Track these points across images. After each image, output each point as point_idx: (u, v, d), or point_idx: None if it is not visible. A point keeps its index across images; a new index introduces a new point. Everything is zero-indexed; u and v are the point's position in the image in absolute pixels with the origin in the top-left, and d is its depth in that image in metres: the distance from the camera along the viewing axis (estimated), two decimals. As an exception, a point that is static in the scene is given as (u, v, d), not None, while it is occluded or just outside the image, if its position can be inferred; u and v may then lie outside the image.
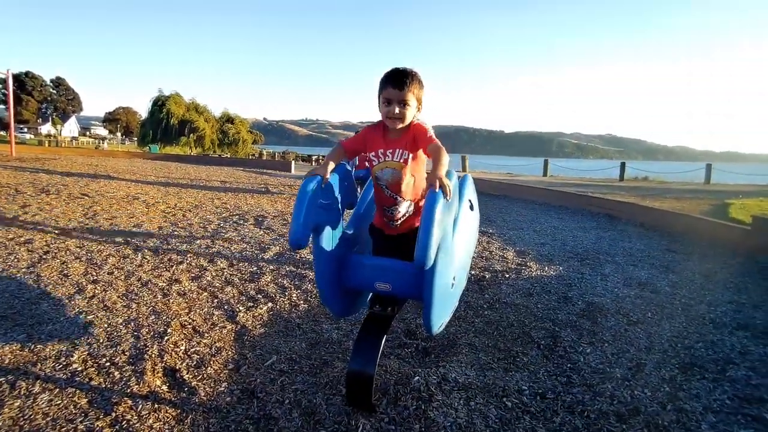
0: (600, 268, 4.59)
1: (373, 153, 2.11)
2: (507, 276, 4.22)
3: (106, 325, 2.79)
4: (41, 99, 74.41)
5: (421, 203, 1.98)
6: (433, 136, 2.04)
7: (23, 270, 3.73)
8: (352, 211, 2.40)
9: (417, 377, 2.33)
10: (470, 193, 2.57)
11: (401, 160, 2.06)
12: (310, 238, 1.86)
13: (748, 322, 3.28)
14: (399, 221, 2.17)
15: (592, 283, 4.07)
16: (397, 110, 2.01)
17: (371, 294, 2.33)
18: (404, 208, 2.15)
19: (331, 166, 1.95)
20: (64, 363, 2.32)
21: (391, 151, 2.08)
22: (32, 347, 2.46)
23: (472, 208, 2.53)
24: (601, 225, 7.33)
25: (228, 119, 43.60)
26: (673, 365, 2.61)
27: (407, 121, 2.07)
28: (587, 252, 5.32)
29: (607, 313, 3.37)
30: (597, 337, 2.95)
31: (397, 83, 2.00)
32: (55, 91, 77.38)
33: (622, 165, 20.51)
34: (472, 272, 4.14)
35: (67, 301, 3.13)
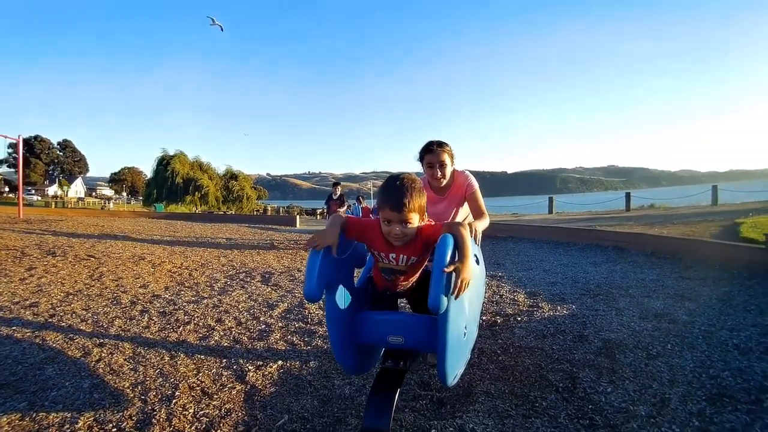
0: (614, 303, 4.50)
1: (375, 251, 2.06)
2: (519, 319, 4.13)
3: (112, 389, 2.72)
4: (48, 161, 76.27)
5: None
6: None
7: (28, 334, 3.68)
8: (362, 268, 2.41)
9: (433, 430, 2.25)
10: (475, 248, 2.58)
11: (406, 266, 2.06)
12: (324, 294, 1.87)
13: (777, 346, 3.16)
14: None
15: (607, 319, 3.98)
16: (398, 229, 1.92)
17: (383, 349, 2.29)
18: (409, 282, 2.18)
19: (335, 235, 1.91)
20: (68, 431, 2.25)
21: (393, 255, 2.03)
22: (34, 416, 2.39)
23: (477, 262, 2.54)
24: (611, 258, 7.24)
25: (232, 176, 44.28)
26: (700, 397, 2.50)
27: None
28: (599, 287, 5.23)
29: (626, 348, 3.27)
30: (617, 374, 2.85)
31: (397, 206, 1.88)
32: (62, 153, 79.45)
33: (627, 195, 20.47)
34: (483, 318, 4.07)
35: (72, 365, 3.07)
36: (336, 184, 11.73)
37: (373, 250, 2.07)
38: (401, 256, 2.01)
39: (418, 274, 2.19)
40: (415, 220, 1.93)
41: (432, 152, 2.85)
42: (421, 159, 2.93)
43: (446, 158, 2.82)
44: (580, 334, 3.62)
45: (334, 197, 11.34)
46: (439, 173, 2.85)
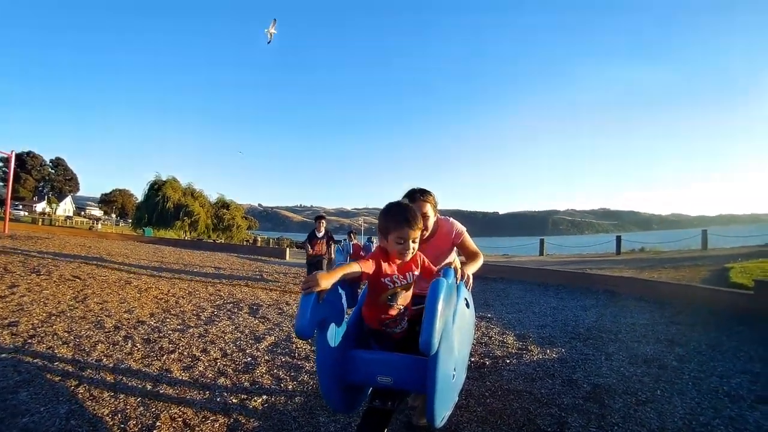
0: (604, 347, 4.48)
1: (387, 279, 2.13)
2: (508, 361, 4.09)
3: (90, 416, 2.64)
4: (39, 178, 75.86)
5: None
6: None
7: (4, 356, 3.58)
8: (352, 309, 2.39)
9: (420, 471, 2.19)
10: (465, 292, 2.58)
11: (411, 281, 2.20)
12: (315, 332, 1.87)
13: (769, 395, 3.14)
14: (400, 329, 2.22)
15: (596, 364, 3.95)
16: (413, 244, 2.13)
17: (371, 389, 2.26)
18: (404, 319, 2.23)
19: (334, 279, 1.91)
20: (41, 462, 2.17)
21: (403, 275, 2.16)
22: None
23: (468, 305, 2.54)
24: (601, 302, 7.24)
25: (223, 205, 44.20)
26: (690, 448, 2.47)
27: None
28: (589, 331, 5.21)
29: (615, 394, 3.24)
30: (606, 420, 2.81)
31: (413, 223, 2.12)
32: (53, 171, 79.12)
33: (618, 238, 20.59)
34: (472, 359, 4.03)
35: (49, 389, 2.98)
36: (320, 218, 8.84)
37: (384, 279, 2.12)
38: (407, 273, 2.17)
39: (411, 300, 2.26)
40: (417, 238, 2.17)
41: (414, 202, 2.68)
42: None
43: (428, 209, 2.72)
44: (570, 378, 3.59)
45: (318, 234, 8.53)
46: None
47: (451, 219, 2.93)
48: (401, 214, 2.12)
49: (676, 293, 6.97)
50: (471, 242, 2.90)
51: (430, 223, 2.76)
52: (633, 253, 19.92)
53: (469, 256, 2.90)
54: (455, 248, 2.91)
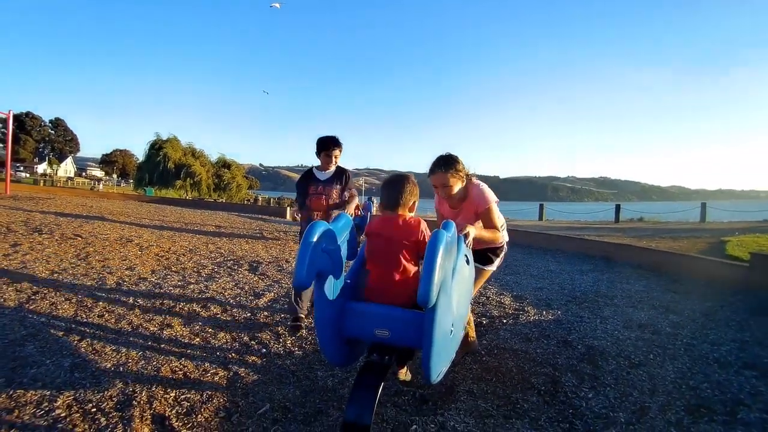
0: (599, 311, 4.54)
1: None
2: (505, 321, 4.15)
3: (93, 369, 2.70)
4: (39, 139, 75.22)
5: None
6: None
7: (9, 311, 3.64)
8: (351, 262, 2.40)
9: (415, 426, 2.25)
10: (465, 249, 2.60)
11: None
12: (313, 283, 1.87)
13: (755, 361, 3.21)
14: None
15: (591, 327, 4.01)
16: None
17: (369, 344, 2.28)
18: None
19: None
20: (46, 409, 2.22)
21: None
22: (11, 393, 2.36)
23: (468, 262, 2.55)
24: (598, 267, 7.29)
25: (224, 164, 44.03)
26: (679, 407, 2.53)
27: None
28: (585, 295, 5.27)
29: (608, 356, 3.30)
30: (599, 381, 2.88)
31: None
32: (53, 132, 78.30)
33: (617, 207, 20.62)
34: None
35: (54, 343, 3.04)
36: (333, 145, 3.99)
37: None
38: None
39: None
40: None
41: (434, 175, 2.83)
42: (430, 174, 2.90)
43: (450, 180, 2.79)
44: (565, 340, 3.65)
45: (321, 175, 3.92)
46: (443, 193, 2.87)
47: (482, 186, 2.91)
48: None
49: (673, 262, 7.04)
50: (494, 217, 2.86)
51: (455, 189, 2.81)
52: (632, 222, 19.98)
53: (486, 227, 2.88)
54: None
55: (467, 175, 2.89)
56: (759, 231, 12.23)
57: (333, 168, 3.85)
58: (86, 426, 2.11)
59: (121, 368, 2.75)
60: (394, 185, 2.29)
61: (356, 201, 3.92)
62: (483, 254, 3.03)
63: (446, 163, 2.78)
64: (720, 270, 6.24)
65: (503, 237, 2.99)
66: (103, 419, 2.17)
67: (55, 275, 4.89)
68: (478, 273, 3.00)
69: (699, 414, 2.47)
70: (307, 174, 3.93)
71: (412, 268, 2.15)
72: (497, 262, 3.13)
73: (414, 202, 2.31)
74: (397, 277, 2.12)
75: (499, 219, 2.92)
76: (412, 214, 2.30)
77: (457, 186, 2.81)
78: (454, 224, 2.11)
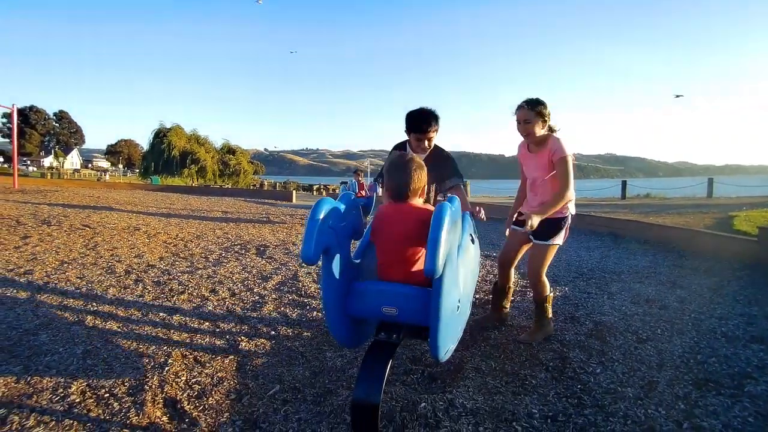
0: (606, 287, 4.54)
1: None
2: (512, 298, 4.15)
3: (105, 356, 2.74)
4: (44, 132, 75.36)
5: None
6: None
7: (22, 301, 3.68)
8: (358, 241, 2.41)
9: (423, 403, 2.27)
10: (471, 227, 2.58)
11: None
12: (320, 261, 1.87)
13: (763, 335, 3.22)
14: None
15: (599, 302, 4.02)
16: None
17: (377, 323, 2.29)
18: None
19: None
20: (62, 395, 2.27)
21: None
22: (28, 379, 2.40)
23: (473, 240, 2.54)
24: (605, 244, 7.28)
25: (229, 150, 43.97)
26: (687, 382, 2.54)
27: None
28: (592, 271, 5.27)
29: (616, 331, 3.31)
30: (606, 356, 2.89)
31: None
32: (57, 125, 78.35)
33: (623, 183, 20.48)
34: (477, 296, 4.10)
35: (66, 331, 3.08)
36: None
37: None
38: None
39: None
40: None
41: (520, 110, 2.97)
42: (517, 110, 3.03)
43: (531, 117, 2.92)
44: (572, 316, 3.66)
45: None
46: (522, 130, 2.99)
47: (563, 140, 2.94)
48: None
49: (680, 238, 7.00)
50: (568, 170, 2.89)
51: (535, 129, 2.95)
52: (638, 199, 19.85)
53: (555, 185, 2.95)
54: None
55: (551, 127, 3.01)
56: (767, 206, 12.13)
57: (428, 150, 3.21)
58: (100, 411, 2.15)
59: (132, 354, 2.78)
60: (398, 171, 2.15)
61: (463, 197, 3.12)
62: (546, 227, 3.04)
63: (533, 102, 2.94)
64: (727, 245, 6.21)
65: (571, 195, 2.95)
66: (116, 404, 2.21)
67: (65, 265, 4.93)
68: (543, 249, 3.10)
69: (707, 388, 2.47)
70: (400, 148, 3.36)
71: (421, 255, 2.13)
72: (562, 234, 3.14)
73: (423, 186, 2.21)
74: (405, 265, 2.11)
75: (571, 176, 2.94)
76: (422, 201, 2.25)
77: (537, 127, 2.93)
78: (458, 199, 2.09)
